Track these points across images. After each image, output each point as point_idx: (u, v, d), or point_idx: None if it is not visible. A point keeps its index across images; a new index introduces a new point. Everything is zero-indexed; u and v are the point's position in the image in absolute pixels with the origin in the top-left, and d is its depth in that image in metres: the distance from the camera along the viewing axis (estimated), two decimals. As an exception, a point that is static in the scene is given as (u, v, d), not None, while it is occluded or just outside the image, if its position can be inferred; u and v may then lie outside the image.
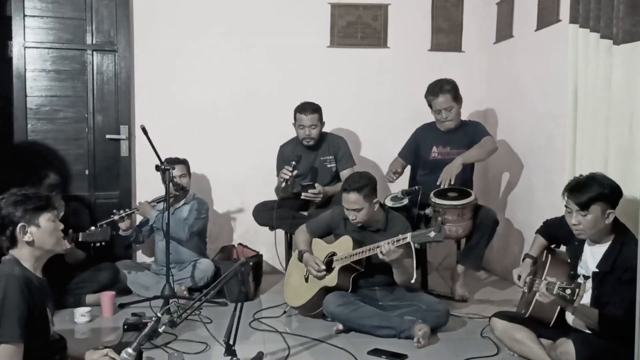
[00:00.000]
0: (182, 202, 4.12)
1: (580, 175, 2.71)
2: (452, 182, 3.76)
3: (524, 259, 3.03)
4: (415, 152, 4.15)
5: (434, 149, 4.06)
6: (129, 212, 3.90)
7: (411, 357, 2.91)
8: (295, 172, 3.93)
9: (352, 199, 3.28)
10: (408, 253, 3.11)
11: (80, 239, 3.61)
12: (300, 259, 3.52)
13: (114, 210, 3.87)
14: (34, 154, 4.36)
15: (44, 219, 2.24)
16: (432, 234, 3.01)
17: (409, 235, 3.08)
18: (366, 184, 3.32)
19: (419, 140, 4.15)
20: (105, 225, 3.69)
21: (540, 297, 2.58)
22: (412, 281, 3.12)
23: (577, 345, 2.48)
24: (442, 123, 4.02)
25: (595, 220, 2.59)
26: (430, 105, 4.04)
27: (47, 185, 3.84)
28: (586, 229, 2.62)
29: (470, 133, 4.05)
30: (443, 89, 3.95)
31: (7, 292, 2.07)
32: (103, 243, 3.69)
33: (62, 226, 2.33)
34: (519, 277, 2.90)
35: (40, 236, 2.23)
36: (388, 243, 3.11)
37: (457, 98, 3.99)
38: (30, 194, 2.26)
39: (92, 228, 3.66)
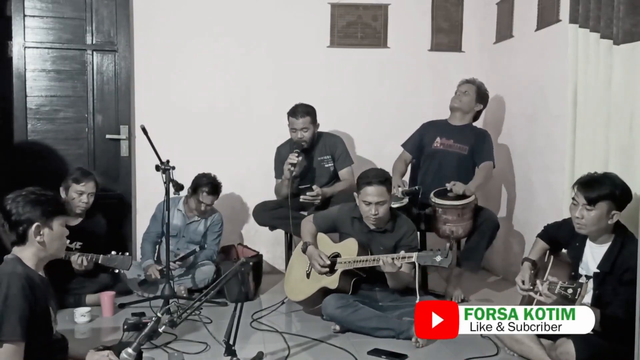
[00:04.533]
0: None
1: (595, 172, 2.72)
2: (460, 191, 3.72)
3: (522, 262, 3.02)
4: (420, 144, 4.17)
5: (437, 139, 4.11)
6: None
7: (411, 357, 2.91)
8: (300, 158, 3.92)
9: (379, 191, 3.27)
10: (408, 267, 3.14)
11: (100, 262, 3.55)
12: (304, 250, 3.50)
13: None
14: (34, 154, 4.35)
15: (57, 223, 2.26)
16: (439, 258, 3.02)
17: (414, 255, 3.10)
18: (388, 177, 3.38)
19: (424, 132, 4.20)
20: (127, 254, 3.59)
21: (542, 297, 2.57)
22: (416, 301, 3.06)
23: (577, 345, 2.49)
24: (453, 100, 4.14)
25: (599, 218, 2.60)
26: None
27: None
28: (588, 225, 2.63)
29: (476, 137, 4.07)
30: (473, 80, 4.15)
31: (9, 291, 2.07)
32: (122, 271, 3.65)
33: (67, 232, 2.34)
34: (523, 282, 2.87)
35: (50, 239, 2.24)
36: (392, 259, 3.12)
37: (480, 96, 4.12)
38: (49, 196, 2.27)
39: (113, 253, 3.57)
